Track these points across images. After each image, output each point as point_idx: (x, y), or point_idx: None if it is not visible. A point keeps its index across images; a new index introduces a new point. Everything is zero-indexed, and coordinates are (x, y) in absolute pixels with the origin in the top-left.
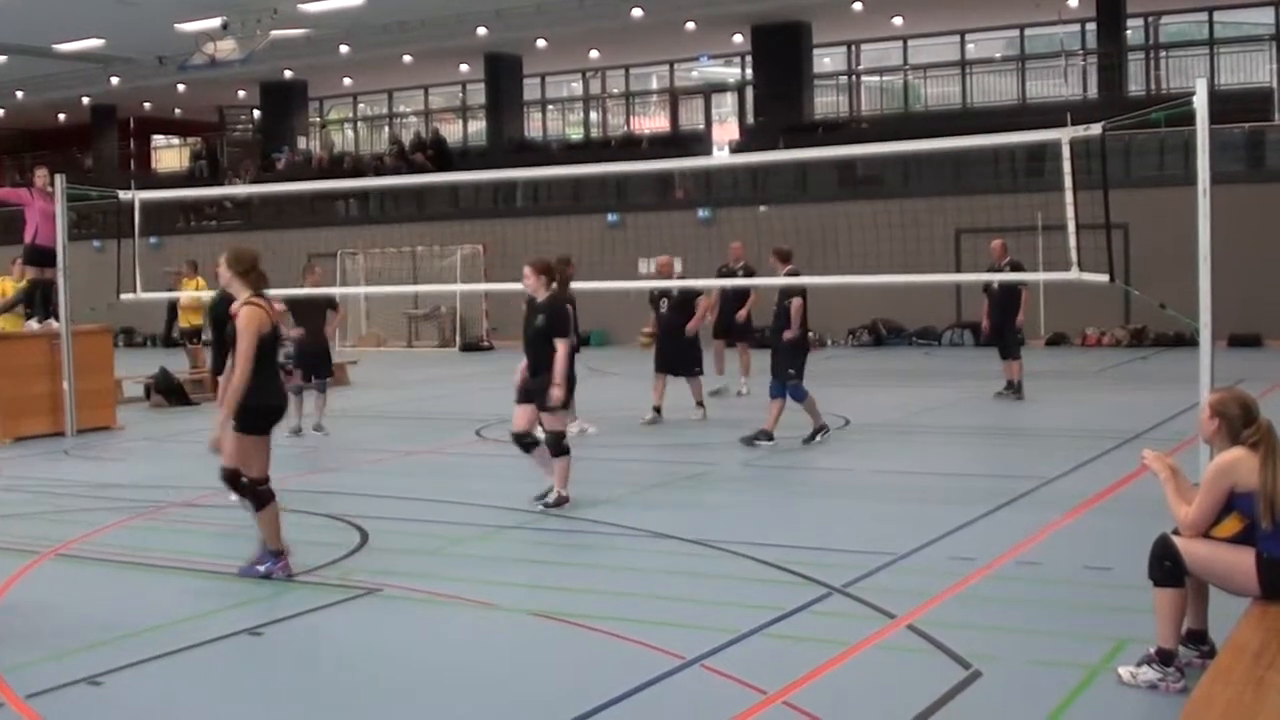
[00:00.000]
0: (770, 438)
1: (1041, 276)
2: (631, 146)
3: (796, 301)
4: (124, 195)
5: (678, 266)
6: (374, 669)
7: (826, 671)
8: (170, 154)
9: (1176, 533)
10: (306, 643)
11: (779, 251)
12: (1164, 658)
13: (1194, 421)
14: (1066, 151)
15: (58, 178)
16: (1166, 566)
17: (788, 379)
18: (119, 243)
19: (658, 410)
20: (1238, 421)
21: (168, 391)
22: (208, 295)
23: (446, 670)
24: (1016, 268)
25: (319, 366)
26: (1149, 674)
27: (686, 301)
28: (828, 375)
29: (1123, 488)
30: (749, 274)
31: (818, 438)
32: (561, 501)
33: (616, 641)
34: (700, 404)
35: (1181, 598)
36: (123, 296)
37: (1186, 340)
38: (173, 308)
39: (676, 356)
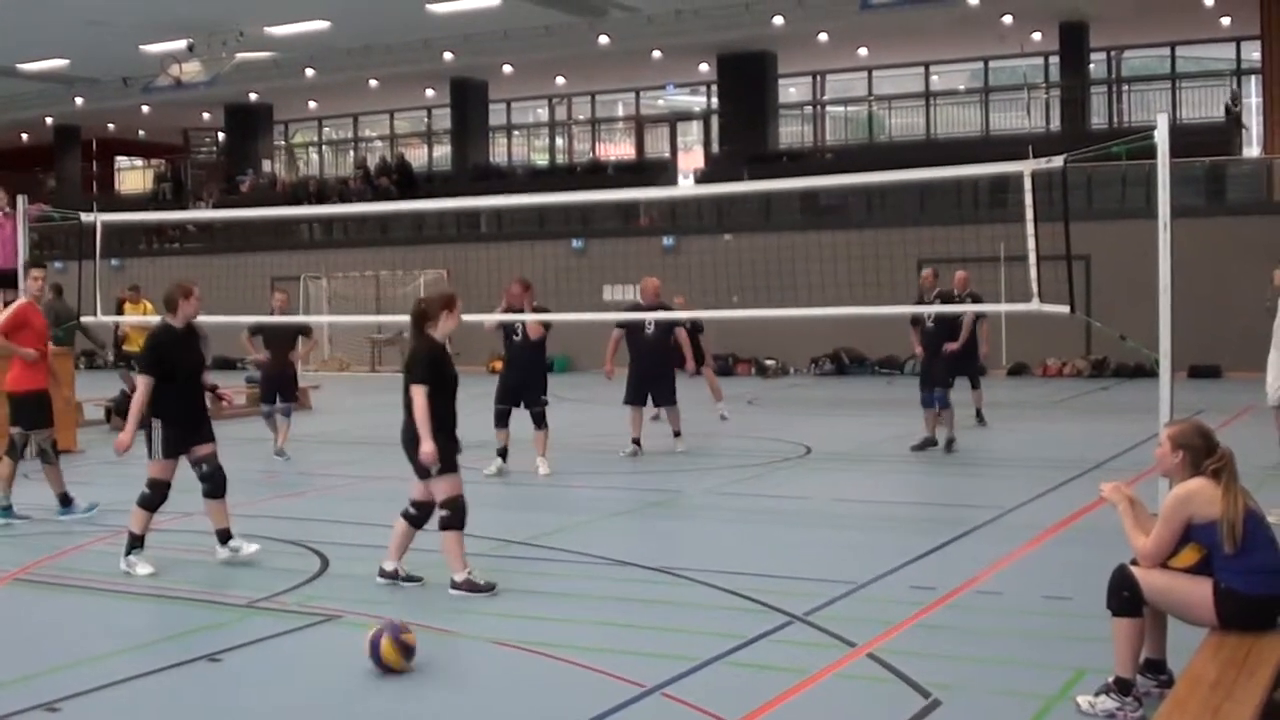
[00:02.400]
0: (935, 442)
1: (1003, 308)
2: (597, 173)
3: (968, 317)
4: (86, 217)
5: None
6: (334, 696)
7: (787, 700)
8: (134, 176)
9: (1135, 563)
10: (266, 669)
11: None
12: (1122, 687)
13: (1154, 452)
14: (1028, 183)
15: (20, 198)
16: (1125, 596)
17: (947, 387)
18: (80, 265)
19: (637, 442)
20: (1200, 452)
21: (125, 414)
22: (154, 319)
23: (407, 698)
24: (976, 299)
25: (284, 390)
26: (1107, 703)
27: (669, 331)
28: (790, 403)
29: (1082, 517)
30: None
31: (927, 449)
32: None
33: (577, 669)
34: (679, 433)
35: (1139, 627)
36: (83, 319)
37: (1147, 371)
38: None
39: (656, 385)
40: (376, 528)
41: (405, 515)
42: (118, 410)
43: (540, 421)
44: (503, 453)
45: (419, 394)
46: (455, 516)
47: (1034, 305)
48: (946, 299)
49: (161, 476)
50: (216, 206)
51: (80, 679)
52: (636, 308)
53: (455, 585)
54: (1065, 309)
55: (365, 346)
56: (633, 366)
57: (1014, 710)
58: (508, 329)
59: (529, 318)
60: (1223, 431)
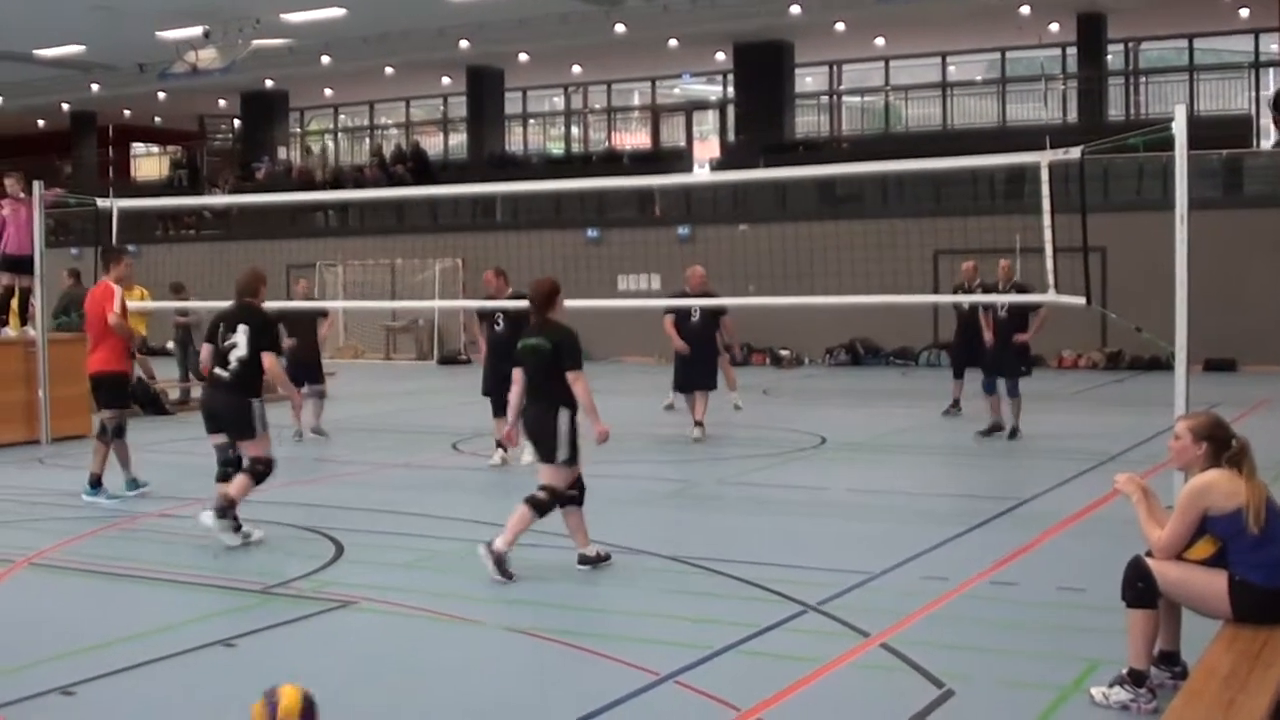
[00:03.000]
0: (1001, 428)
1: (1019, 299)
2: (612, 162)
3: (1044, 310)
4: (102, 203)
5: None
6: (348, 683)
7: (800, 689)
8: (150, 162)
9: (1150, 555)
10: (280, 655)
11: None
12: (1136, 679)
13: (1169, 444)
14: (1045, 175)
15: (36, 184)
16: (1139, 588)
17: (1020, 375)
18: (96, 251)
19: (701, 424)
20: (1222, 443)
21: (144, 401)
22: (152, 305)
23: (421, 685)
24: (1021, 289)
25: (311, 374)
26: (1121, 695)
27: (715, 317)
28: (805, 394)
29: (1097, 509)
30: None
31: (994, 434)
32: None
33: (591, 657)
34: (700, 423)
35: (1154, 619)
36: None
37: (1162, 364)
38: None
39: (701, 369)
40: (391, 514)
41: (537, 502)
42: (133, 396)
43: None
44: (502, 443)
45: (582, 379)
46: (581, 495)
47: (1050, 296)
48: (989, 290)
49: (269, 452)
50: (232, 194)
51: (96, 663)
52: (682, 295)
53: (586, 559)
54: (1081, 300)
55: (380, 334)
56: (679, 353)
57: (1027, 701)
58: (489, 319)
59: (508, 305)
60: (1238, 425)
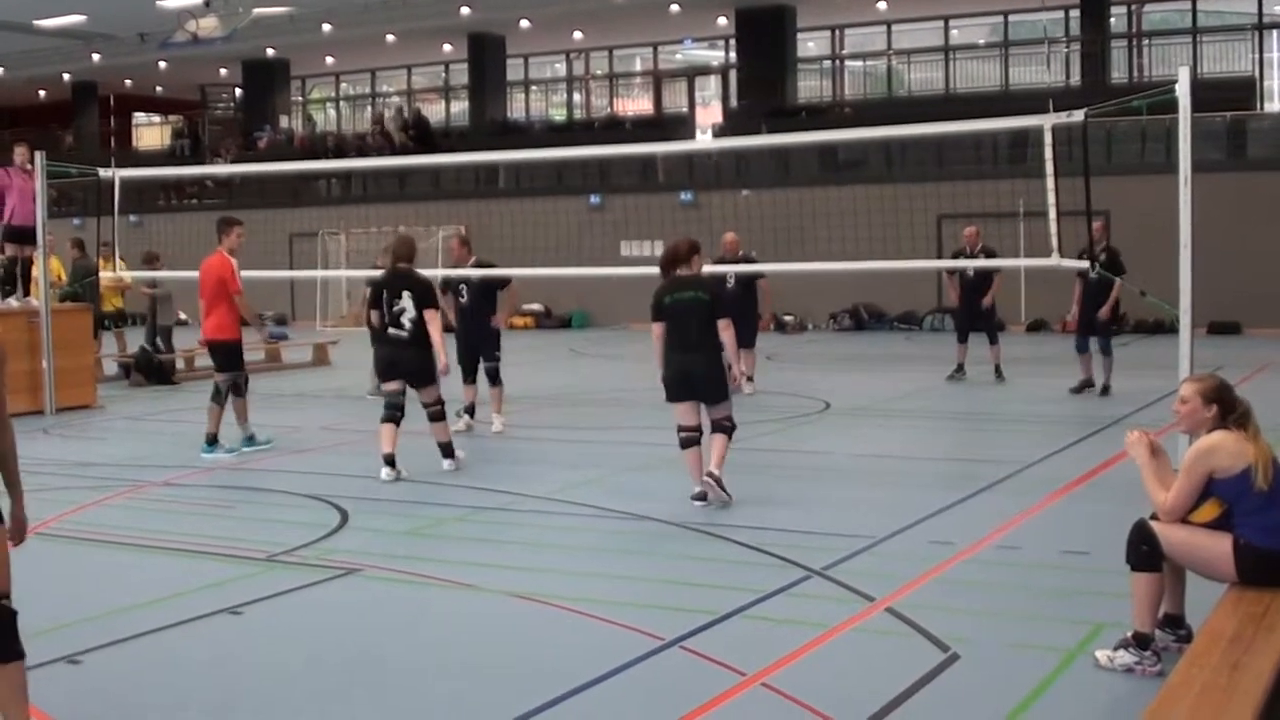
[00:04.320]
0: (1092, 384)
1: (1023, 263)
2: (614, 128)
3: (1118, 283)
4: (104, 173)
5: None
6: (353, 649)
7: (805, 653)
8: (151, 132)
9: (1154, 518)
10: (286, 622)
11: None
12: (1141, 642)
13: (1174, 407)
14: (1048, 138)
15: (38, 155)
16: (1144, 551)
17: (1109, 336)
18: (99, 221)
19: (750, 379)
20: (1229, 405)
21: (148, 371)
22: (130, 275)
23: (426, 651)
24: (989, 254)
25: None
26: (1126, 658)
27: (750, 282)
28: (809, 359)
29: (1101, 473)
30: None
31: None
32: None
33: (595, 623)
34: (751, 377)
35: (1158, 582)
36: (103, 275)
37: (1166, 327)
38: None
39: (740, 327)
40: (397, 482)
41: (693, 442)
42: (137, 366)
43: (494, 378)
44: (470, 409)
45: (730, 327)
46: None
47: (1053, 260)
48: (990, 254)
49: (440, 394)
50: (234, 163)
51: (102, 632)
52: (721, 261)
53: (716, 479)
54: (1085, 264)
55: None
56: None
57: (1032, 664)
58: (454, 289)
59: (476, 273)
60: (1242, 387)
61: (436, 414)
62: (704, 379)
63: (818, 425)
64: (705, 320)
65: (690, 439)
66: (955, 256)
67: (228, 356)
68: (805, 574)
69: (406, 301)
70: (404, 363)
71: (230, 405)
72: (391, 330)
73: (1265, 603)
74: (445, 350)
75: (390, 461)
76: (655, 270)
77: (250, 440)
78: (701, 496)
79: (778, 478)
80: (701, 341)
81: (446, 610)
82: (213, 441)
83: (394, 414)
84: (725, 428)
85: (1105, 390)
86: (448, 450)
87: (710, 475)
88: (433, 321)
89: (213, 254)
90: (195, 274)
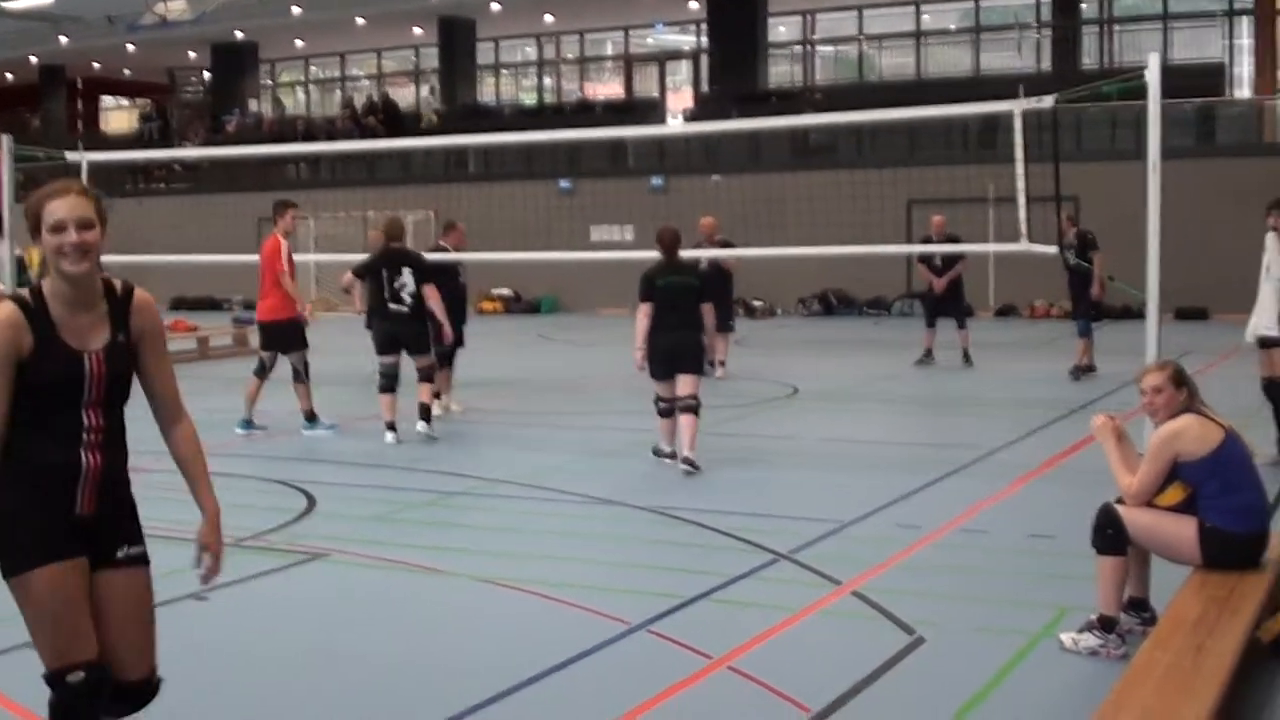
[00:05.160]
0: (1094, 368)
1: (991, 248)
2: (585, 113)
3: (1098, 261)
4: (72, 156)
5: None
6: (320, 634)
7: (772, 637)
8: (119, 115)
9: (1120, 501)
10: (252, 607)
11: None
12: (1105, 624)
13: (1147, 396)
14: (1018, 124)
15: (4, 138)
16: (1109, 535)
17: (1090, 319)
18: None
19: (711, 363)
20: (1194, 388)
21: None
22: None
23: (393, 635)
24: (953, 239)
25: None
26: (1090, 640)
27: (722, 263)
28: (778, 344)
29: (1067, 458)
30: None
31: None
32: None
33: (562, 607)
34: (723, 362)
35: (1123, 566)
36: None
37: (1134, 313)
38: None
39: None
40: (361, 467)
41: (670, 412)
42: None
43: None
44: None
45: (713, 310)
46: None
47: (1022, 245)
48: (954, 240)
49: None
50: (203, 146)
51: None
52: (697, 246)
53: (690, 461)
54: (1053, 249)
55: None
56: None
57: (997, 647)
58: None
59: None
60: (1209, 373)
61: (426, 376)
62: (690, 355)
63: (786, 410)
64: (694, 303)
65: (669, 409)
66: (924, 243)
67: (288, 337)
68: (772, 558)
69: (407, 277)
70: (404, 335)
71: (249, 383)
72: (393, 305)
73: (1229, 586)
74: (444, 314)
75: (392, 427)
76: (625, 255)
77: (248, 424)
78: (670, 455)
79: (745, 462)
80: (689, 321)
81: (413, 595)
82: (311, 418)
83: (391, 384)
84: (694, 407)
85: (1076, 373)
86: (425, 413)
87: (688, 462)
88: (432, 295)
89: (269, 237)
90: (136, 258)
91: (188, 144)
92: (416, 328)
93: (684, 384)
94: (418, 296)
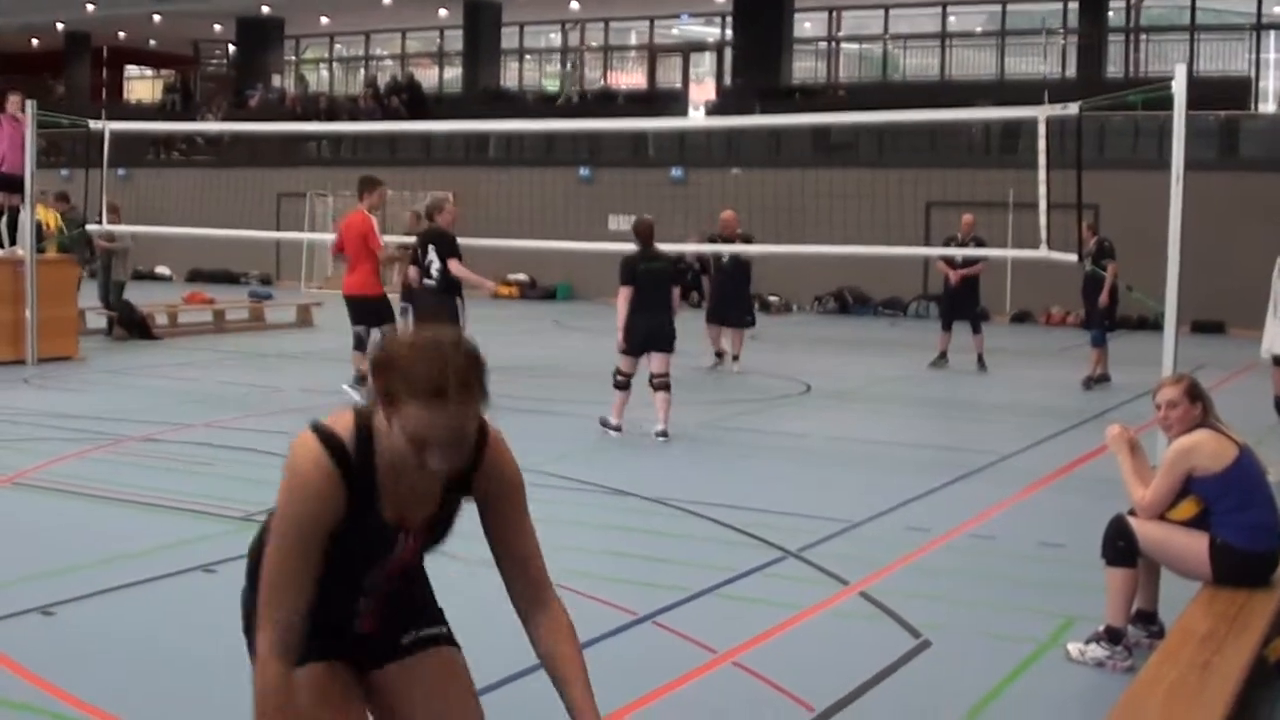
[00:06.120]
0: (1108, 378)
1: (1010, 254)
2: (607, 101)
3: (1112, 269)
4: (94, 125)
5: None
6: None
7: (777, 634)
8: (143, 85)
9: (1132, 513)
10: None
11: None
12: (1113, 636)
13: (1161, 411)
14: (1042, 129)
15: (28, 104)
16: (1120, 546)
17: (1104, 329)
18: (87, 173)
19: (720, 355)
20: (1209, 402)
21: (130, 325)
22: (117, 229)
23: None
24: (979, 244)
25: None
26: (1097, 652)
27: (745, 261)
28: (792, 341)
29: (1080, 466)
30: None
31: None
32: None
33: (569, 595)
34: (737, 356)
35: (1133, 578)
36: (89, 227)
37: (1150, 324)
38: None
39: (733, 306)
40: None
41: (628, 386)
42: (120, 321)
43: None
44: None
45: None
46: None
47: (1041, 252)
48: (980, 244)
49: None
50: (224, 120)
51: (76, 584)
52: (717, 239)
53: (664, 433)
54: (1072, 257)
55: None
56: (714, 290)
57: (1004, 654)
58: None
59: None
60: (1224, 388)
61: None
62: (666, 336)
63: (798, 407)
64: (668, 287)
65: (627, 383)
66: (947, 243)
67: (375, 313)
68: (780, 554)
69: (432, 254)
70: (431, 309)
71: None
72: (426, 281)
73: (1239, 603)
74: (477, 279)
75: None
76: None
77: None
78: (617, 429)
79: (756, 458)
80: (665, 303)
81: None
82: (362, 380)
83: None
84: (667, 384)
85: (1089, 383)
86: None
87: (663, 433)
88: (458, 267)
89: (353, 212)
90: (155, 229)
91: (210, 117)
92: (442, 302)
93: (657, 362)
94: (444, 272)
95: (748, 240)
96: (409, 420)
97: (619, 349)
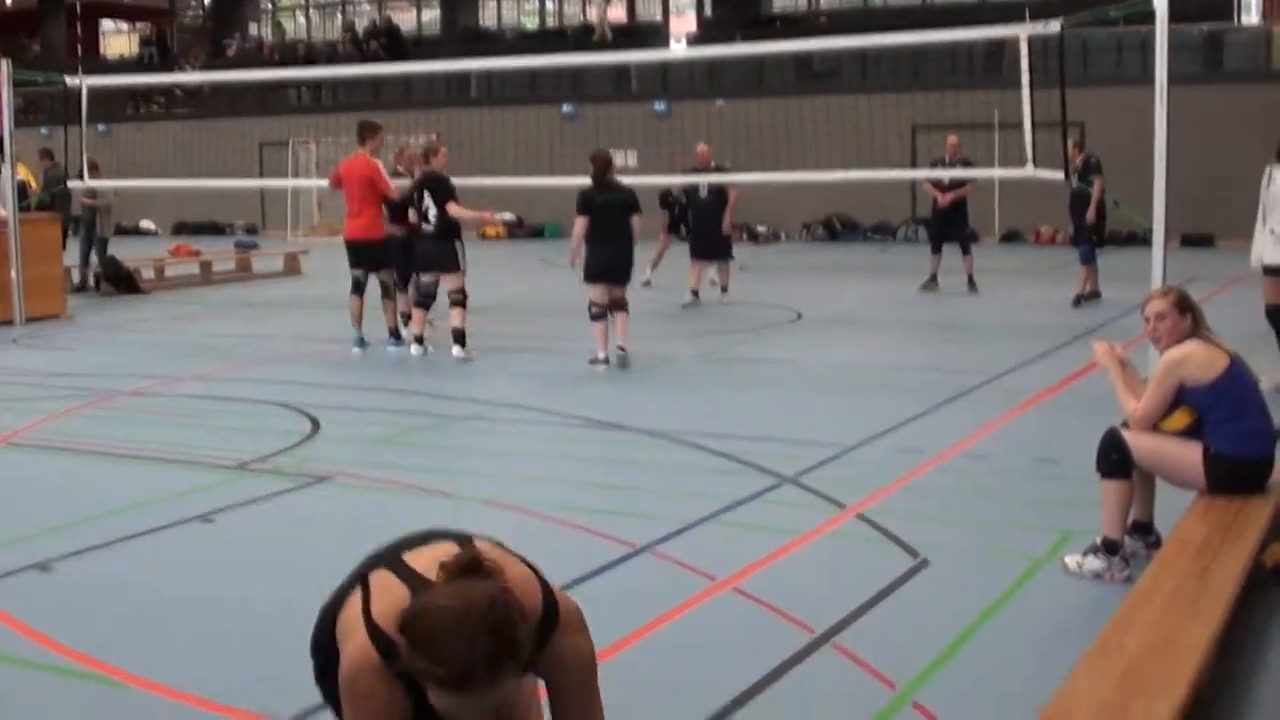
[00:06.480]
0: (1098, 295)
1: (997, 173)
2: (588, 36)
3: (1098, 184)
4: (71, 81)
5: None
6: (326, 556)
7: (776, 559)
8: (119, 40)
9: (1125, 426)
10: (259, 529)
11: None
12: (1109, 548)
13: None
14: (1024, 48)
15: (3, 62)
16: (1114, 459)
17: (1093, 245)
18: (65, 130)
19: (695, 294)
20: (1199, 313)
21: (117, 280)
22: (101, 184)
23: None
24: (966, 164)
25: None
26: (1094, 563)
27: (722, 191)
28: (782, 269)
29: (1072, 383)
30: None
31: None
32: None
33: (568, 529)
34: (725, 288)
35: (1128, 490)
36: (71, 184)
37: (1138, 239)
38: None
39: (712, 241)
40: (366, 391)
41: (604, 316)
42: (107, 277)
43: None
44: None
45: (640, 222)
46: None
47: (1028, 171)
48: (967, 164)
49: (464, 285)
50: (203, 71)
51: (73, 539)
52: (694, 172)
53: (623, 349)
54: (1059, 175)
55: None
56: (693, 226)
57: (1001, 570)
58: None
59: None
60: (1215, 299)
61: (457, 300)
62: (624, 264)
63: (790, 334)
64: (627, 217)
65: (602, 313)
66: (934, 166)
67: (376, 257)
68: (776, 481)
69: (429, 200)
70: (432, 254)
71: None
72: (424, 226)
73: (1234, 511)
74: (476, 214)
75: (419, 340)
76: (629, 180)
77: (361, 341)
78: (604, 361)
79: (748, 386)
80: (623, 234)
81: (419, 517)
82: (395, 336)
83: (425, 301)
84: (624, 306)
85: (1079, 300)
86: (459, 337)
87: (621, 349)
88: (457, 209)
89: (355, 157)
90: (138, 183)
91: (188, 69)
92: (441, 247)
93: (619, 291)
94: (441, 218)
95: (722, 171)
96: (436, 698)
97: (581, 279)
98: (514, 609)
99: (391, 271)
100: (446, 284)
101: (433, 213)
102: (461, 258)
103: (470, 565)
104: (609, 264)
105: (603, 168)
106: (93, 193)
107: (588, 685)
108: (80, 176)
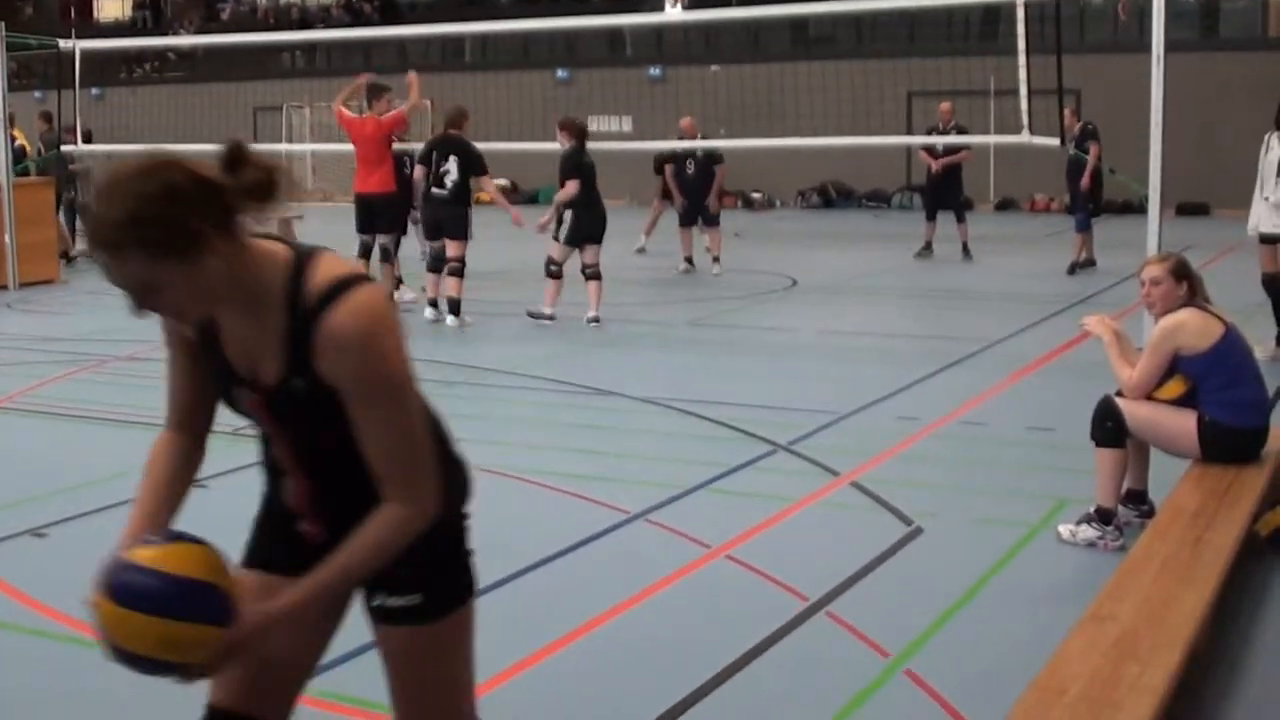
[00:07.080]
0: (1094, 262)
1: (992, 139)
2: (582, 0)
3: (1094, 151)
4: (64, 44)
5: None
6: None
7: (770, 526)
8: (113, 3)
9: (1120, 394)
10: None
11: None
12: (1103, 516)
13: (1146, 288)
14: (1021, 14)
15: None
16: (1108, 427)
17: (1089, 213)
18: (59, 94)
19: (690, 260)
20: (1196, 281)
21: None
22: (103, 148)
23: None
24: (961, 131)
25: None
26: (1088, 532)
27: (708, 160)
28: (777, 236)
29: (1067, 351)
30: (961, 132)
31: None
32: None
33: (560, 496)
34: (717, 258)
35: (1122, 458)
36: (64, 149)
37: (1135, 208)
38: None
39: (702, 207)
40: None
41: (560, 275)
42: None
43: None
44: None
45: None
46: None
47: (1024, 138)
48: (962, 131)
49: (464, 254)
50: (197, 34)
51: (67, 505)
52: (682, 141)
53: (597, 319)
54: (1055, 142)
55: (348, 176)
56: (681, 195)
57: (996, 538)
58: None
59: None
60: (1211, 268)
61: (456, 270)
62: (602, 227)
63: (784, 302)
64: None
65: (559, 272)
66: (929, 132)
67: (385, 214)
68: (770, 448)
69: (451, 165)
70: (443, 219)
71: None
72: (434, 190)
73: (1228, 479)
74: (504, 202)
75: (434, 304)
76: (623, 145)
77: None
78: (550, 318)
79: (743, 353)
80: (600, 198)
81: None
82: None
83: (436, 264)
84: (598, 274)
85: (1074, 268)
86: (455, 307)
87: (595, 319)
88: (487, 185)
89: (366, 119)
90: (131, 148)
91: (182, 32)
92: (454, 211)
93: (590, 252)
94: (459, 184)
95: (711, 139)
96: None
97: (555, 237)
98: (171, 185)
99: (395, 235)
100: (449, 250)
101: (451, 178)
102: (471, 225)
103: (235, 157)
104: (595, 227)
105: (582, 132)
106: (70, 158)
107: (370, 389)
108: (72, 141)
